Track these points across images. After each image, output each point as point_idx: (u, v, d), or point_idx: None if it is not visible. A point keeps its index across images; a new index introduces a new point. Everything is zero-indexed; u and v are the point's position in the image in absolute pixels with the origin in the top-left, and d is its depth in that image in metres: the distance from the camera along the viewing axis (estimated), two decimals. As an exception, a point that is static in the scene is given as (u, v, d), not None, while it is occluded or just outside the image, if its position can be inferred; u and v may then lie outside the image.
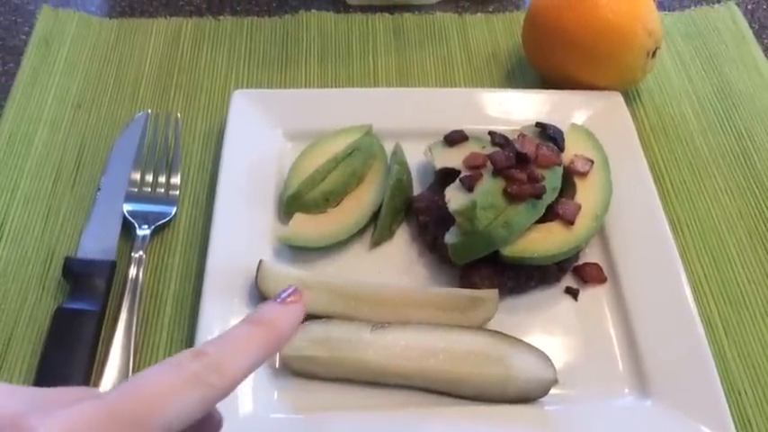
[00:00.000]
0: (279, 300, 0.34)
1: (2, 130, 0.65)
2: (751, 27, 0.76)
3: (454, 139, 0.60)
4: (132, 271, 0.55)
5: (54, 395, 0.29)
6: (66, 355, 0.50)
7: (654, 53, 0.65)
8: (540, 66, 0.69)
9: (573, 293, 0.55)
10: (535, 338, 0.51)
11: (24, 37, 0.74)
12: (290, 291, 0.34)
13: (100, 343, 0.52)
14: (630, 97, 0.69)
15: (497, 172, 0.53)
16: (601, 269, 0.55)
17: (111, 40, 0.73)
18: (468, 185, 0.54)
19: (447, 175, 0.57)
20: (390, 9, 0.77)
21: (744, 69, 0.73)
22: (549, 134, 0.58)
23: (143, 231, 0.57)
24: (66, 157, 0.64)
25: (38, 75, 0.70)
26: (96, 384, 0.49)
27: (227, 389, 0.30)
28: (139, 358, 0.52)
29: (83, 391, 0.30)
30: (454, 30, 0.76)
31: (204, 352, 0.30)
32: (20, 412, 0.27)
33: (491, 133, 0.58)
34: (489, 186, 0.53)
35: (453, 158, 0.58)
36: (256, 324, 0.32)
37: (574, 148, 0.58)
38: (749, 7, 0.80)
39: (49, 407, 0.27)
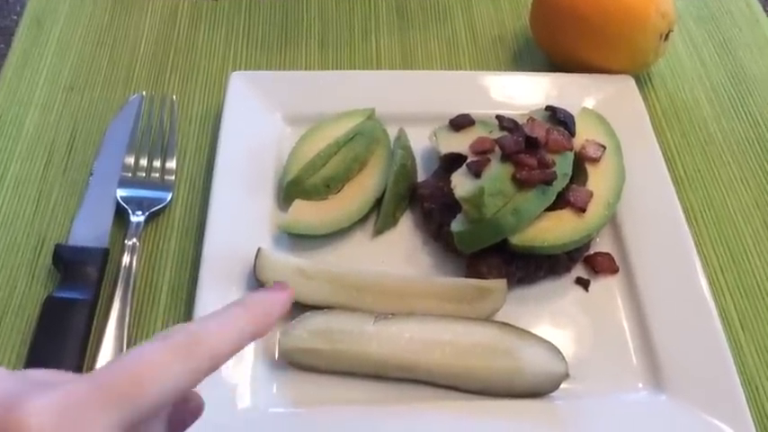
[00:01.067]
0: (268, 288, 0.36)
1: (-9, 112, 0.63)
2: (765, 10, 0.74)
3: (460, 123, 0.58)
4: (125, 259, 0.53)
5: (44, 376, 0.30)
6: (56, 346, 0.49)
7: (667, 36, 0.63)
8: (549, 48, 0.67)
9: (584, 284, 0.53)
10: (544, 330, 0.49)
11: (15, 17, 0.73)
12: (279, 284, 0.36)
13: (91, 333, 0.50)
14: (641, 81, 0.67)
15: (506, 157, 0.51)
16: (613, 259, 0.53)
17: (105, 20, 0.71)
18: (476, 171, 0.52)
19: (452, 161, 0.55)
20: (394, -11, 0.75)
21: (758, 53, 0.71)
22: (559, 118, 0.56)
23: (137, 218, 0.55)
24: (58, 141, 0.61)
25: (29, 56, 0.68)
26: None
27: (215, 363, 0.30)
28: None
29: (73, 374, 0.30)
30: (459, 10, 0.74)
31: (191, 327, 0.31)
32: (10, 392, 0.27)
33: (499, 117, 0.56)
34: (497, 172, 0.51)
35: (459, 143, 0.56)
36: (243, 306, 0.33)
37: (585, 133, 0.56)
38: (763, -10, 0.77)
39: (38, 387, 0.27)
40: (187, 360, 0.29)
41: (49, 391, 0.27)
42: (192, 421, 0.34)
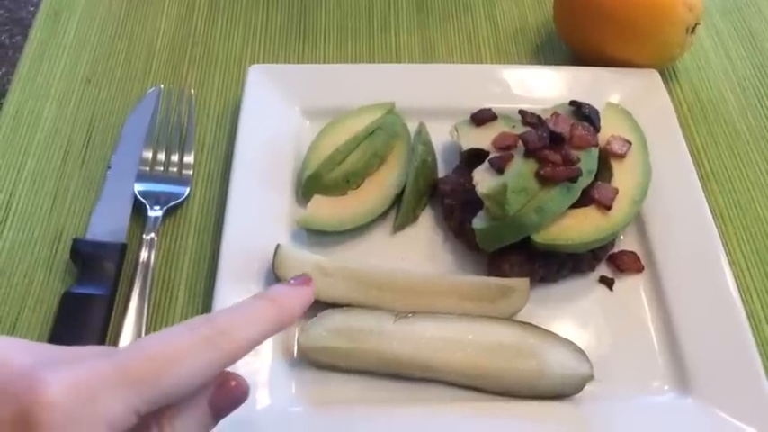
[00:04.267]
0: (291, 282, 0.36)
1: (9, 105, 0.63)
2: (793, 2, 0.73)
3: (482, 118, 0.57)
4: (143, 254, 0.53)
5: (68, 352, 0.30)
6: (74, 342, 0.46)
7: (693, 29, 0.62)
8: (572, 41, 0.66)
9: (608, 283, 0.52)
10: (567, 330, 0.48)
11: (33, 9, 0.73)
12: (301, 277, 0.36)
13: (109, 329, 0.50)
14: (666, 76, 0.65)
15: (530, 153, 0.50)
16: (638, 257, 0.52)
17: (123, 12, 0.71)
18: (498, 167, 0.51)
19: (474, 157, 0.55)
20: (413, -19, 0.74)
21: (786, 47, 0.69)
22: (584, 113, 0.55)
23: (155, 212, 0.55)
24: (76, 135, 0.61)
25: (46, 48, 0.67)
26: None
27: (236, 354, 0.31)
28: (150, 346, 0.49)
29: (96, 349, 0.31)
30: (480, 2, 0.72)
31: (215, 318, 0.31)
32: (33, 365, 0.28)
33: (522, 112, 0.55)
34: (521, 168, 0.50)
35: (481, 139, 0.55)
36: (266, 299, 0.33)
37: (610, 129, 0.55)
38: (791, -19, 0.76)
39: (62, 362, 0.28)
40: (210, 350, 0.30)
41: (68, 366, 0.28)
42: (237, 405, 0.34)
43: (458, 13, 0.71)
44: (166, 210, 0.55)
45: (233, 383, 0.33)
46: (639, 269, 0.52)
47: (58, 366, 0.28)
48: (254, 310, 0.33)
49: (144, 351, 0.29)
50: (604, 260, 0.52)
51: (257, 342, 0.32)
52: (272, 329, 0.33)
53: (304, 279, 0.36)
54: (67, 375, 0.27)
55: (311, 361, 0.47)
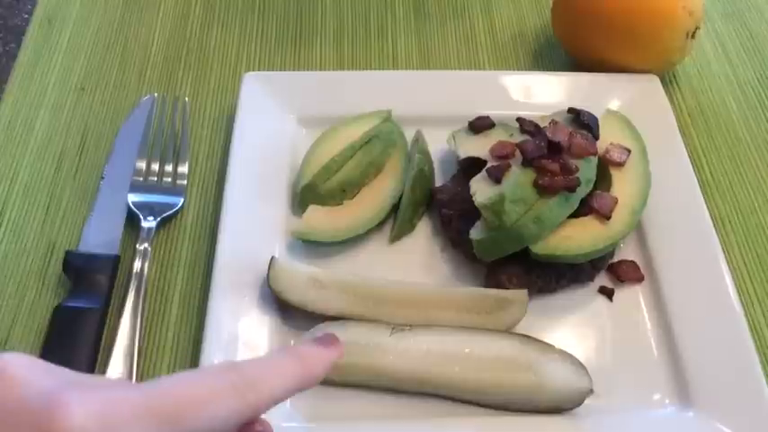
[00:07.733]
0: (318, 341, 0.34)
1: (1, 114, 0.62)
2: (794, 5, 0.72)
3: (479, 125, 0.56)
4: (137, 265, 0.52)
5: (91, 379, 0.30)
6: (66, 356, 0.47)
7: (693, 33, 0.61)
8: (571, 46, 0.65)
9: (608, 293, 0.51)
10: (567, 342, 0.48)
11: (26, 16, 0.72)
12: (328, 337, 0.35)
13: (102, 343, 0.49)
14: (666, 81, 0.65)
15: (527, 162, 0.50)
16: (638, 267, 0.52)
17: (117, 20, 0.70)
18: (496, 177, 0.50)
19: (472, 165, 0.54)
20: (410, -14, 0.73)
21: (788, 51, 0.68)
22: (582, 121, 0.54)
23: (148, 223, 0.54)
24: (69, 144, 0.60)
25: (40, 56, 0.67)
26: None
27: (259, 407, 0.30)
28: (144, 360, 0.49)
29: (119, 381, 0.32)
30: (478, 7, 0.72)
31: (243, 367, 0.30)
32: (57, 387, 0.27)
33: (520, 120, 0.54)
34: (518, 178, 0.49)
35: (478, 147, 0.54)
36: (294, 356, 0.32)
37: (609, 137, 0.55)
38: (793, -16, 0.75)
39: (87, 387, 0.27)
40: (235, 399, 0.29)
41: (93, 391, 0.27)
42: None
43: (455, 18, 0.71)
44: (160, 220, 0.55)
45: (258, 428, 0.32)
46: (639, 279, 0.51)
47: (83, 391, 0.27)
48: (281, 364, 0.32)
49: (171, 388, 0.28)
50: (604, 270, 0.52)
51: (279, 399, 0.31)
52: (295, 388, 0.31)
53: (331, 339, 0.35)
54: (93, 401, 0.26)
55: (306, 375, 0.46)
